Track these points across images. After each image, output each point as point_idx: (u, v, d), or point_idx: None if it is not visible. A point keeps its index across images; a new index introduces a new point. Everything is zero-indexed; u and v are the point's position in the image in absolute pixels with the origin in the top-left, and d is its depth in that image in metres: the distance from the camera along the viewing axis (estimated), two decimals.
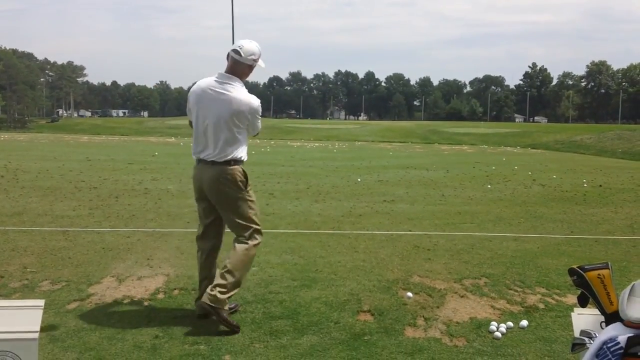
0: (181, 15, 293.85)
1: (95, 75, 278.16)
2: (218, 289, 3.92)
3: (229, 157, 4.00)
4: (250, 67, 4.11)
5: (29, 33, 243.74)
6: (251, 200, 4.13)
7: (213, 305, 3.89)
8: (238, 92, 4.02)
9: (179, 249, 6.29)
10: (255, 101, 4.06)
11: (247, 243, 4.08)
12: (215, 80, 4.04)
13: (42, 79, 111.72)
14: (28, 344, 2.60)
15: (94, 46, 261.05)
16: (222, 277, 3.99)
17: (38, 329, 2.66)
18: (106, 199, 10.01)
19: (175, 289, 4.83)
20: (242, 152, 4.07)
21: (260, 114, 4.17)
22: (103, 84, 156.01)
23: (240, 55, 4.01)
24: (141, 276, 5.18)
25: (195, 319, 4.14)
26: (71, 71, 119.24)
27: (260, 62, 4.17)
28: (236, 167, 4.03)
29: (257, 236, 4.15)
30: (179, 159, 21.47)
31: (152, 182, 12.93)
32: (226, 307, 3.98)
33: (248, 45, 4.05)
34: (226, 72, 4.07)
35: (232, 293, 4.00)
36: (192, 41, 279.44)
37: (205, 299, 3.94)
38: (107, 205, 9.36)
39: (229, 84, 4.02)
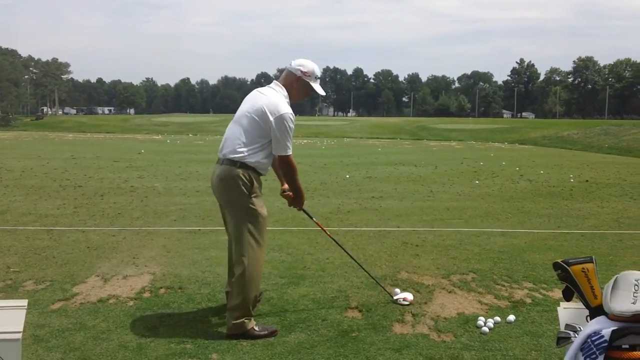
0: (168, 12, 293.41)
1: (80, 72, 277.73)
2: (230, 316, 3.86)
3: (237, 157, 3.79)
4: (297, 79, 3.96)
5: (13, 29, 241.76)
6: (254, 210, 3.82)
7: (235, 333, 3.82)
8: (272, 94, 3.91)
9: (166, 247, 6.24)
10: (284, 107, 3.80)
11: (242, 262, 3.81)
12: (266, 86, 4.05)
13: (26, 76, 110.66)
14: (11, 344, 2.57)
15: (78, 43, 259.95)
16: (229, 301, 3.93)
17: (21, 329, 2.63)
18: (91, 198, 9.92)
19: (161, 288, 4.79)
20: (254, 158, 3.80)
21: (289, 129, 3.81)
22: (88, 81, 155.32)
23: (290, 63, 4.01)
24: (127, 275, 5.13)
25: (182, 318, 4.12)
26: (56, 68, 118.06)
27: (317, 87, 4.03)
28: (241, 170, 3.78)
29: (250, 251, 3.81)
30: (165, 156, 21.36)
31: (138, 180, 12.84)
32: (249, 327, 3.83)
33: (303, 59, 4.03)
34: (279, 80, 4.04)
35: (245, 315, 3.83)
36: (179, 38, 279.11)
37: (227, 329, 3.88)
38: (92, 203, 9.28)
39: (272, 88, 3.98)
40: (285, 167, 3.99)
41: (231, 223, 3.91)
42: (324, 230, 4.60)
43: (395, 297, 4.54)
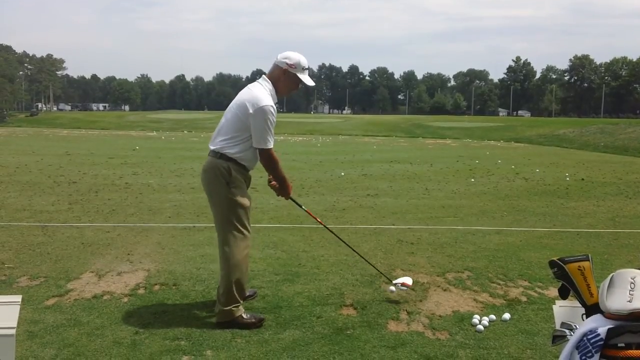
0: (161, 9, 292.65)
1: (75, 68, 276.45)
2: (218, 304, 3.95)
3: (218, 148, 3.89)
4: (284, 72, 3.95)
5: (7, 25, 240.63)
6: (233, 200, 3.86)
7: (223, 321, 3.89)
8: (255, 88, 3.92)
9: (160, 244, 6.22)
10: (264, 100, 3.78)
11: (225, 251, 3.90)
12: (255, 81, 4.05)
13: (21, 72, 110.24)
14: (5, 340, 2.56)
15: (73, 39, 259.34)
16: (218, 290, 3.99)
17: (15, 325, 2.62)
18: (86, 194, 9.89)
19: (155, 285, 4.77)
20: (234, 150, 3.85)
21: (268, 122, 3.80)
22: (83, 77, 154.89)
23: (277, 57, 4.00)
24: (121, 272, 5.11)
25: (176, 315, 4.10)
26: (50, 64, 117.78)
27: (305, 78, 4.01)
28: (221, 161, 3.86)
29: (231, 240, 3.88)
30: (160, 153, 21.31)
31: (133, 177, 12.80)
32: (238, 314, 3.90)
33: (289, 52, 4.01)
34: (266, 75, 4.05)
35: (232, 303, 3.89)
36: (172, 34, 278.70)
37: (216, 317, 3.96)
38: (87, 200, 9.25)
39: (259, 82, 3.99)
40: (265, 160, 4.00)
41: (213, 214, 4.01)
42: (315, 218, 4.65)
43: (394, 282, 4.58)
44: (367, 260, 4.91)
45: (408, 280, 4.61)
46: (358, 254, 4.94)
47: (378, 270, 4.86)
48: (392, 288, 4.66)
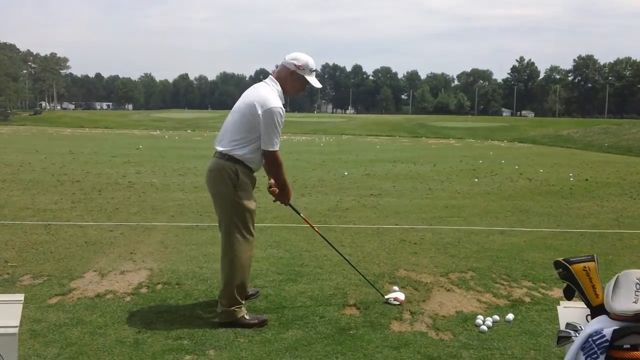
0: (165, 7, 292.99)
1: (79, 67, 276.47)
2: (219, 305, 3.95)
3: (225, 150, 3.85)
4: (291, 73, 3.94)
5: (11, 24, 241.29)
6: (239, 203, 3.84)
7: (226, 321, 3.89)
8: (263, 88, 3.91)
9: (163, 243, 6.22)
10: (273, 101, 3.77)
11: (228, 253, 3.88)
12: (262, 81, 4.04)
13: (24, 71, 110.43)
14: (7, 338, 2.57)
15: (77, 37, 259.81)
16: (220, 290, 3.98)
17: (18, 323, 2.62)
18: (89, 193, 9.90)
19: (158, 284, 4.77)
20: (243, 151, 3.82)
21: (277, 123, 3.77)
22: (86, 76, 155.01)
23: (285, 58, 3.99)
24: (124, 270, 5.11)
25: (179, 314, 4.10)
26: (54, 63, 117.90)
27: (312, 80, 4.00)
28: (229, 163, 3.83)
29: (235, 243, 3.87)
30: (163, 152, 21.32)
31: (136, 176, 12.81)
32: (240, 315, 3.90)
33: (297, 53, 4.01)
34: (273, 75, 4.04)
35: (234, 304, 3.89)
36: (176, 33, 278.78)
37: (218, 318, 3.95)
38: (90, 198, 9.25)
39: (266, 83, 3.97)
40: (269, 162, 3.97)
41: (218, 215, 3.98)
42: (312, 226, 4.63)
43: (386, 297, 4.51)
44: (357, 270, 4.80)
45: (400, 296, 4.50)
46: (349, 262, 4.91)
47: (367, 281, 4.69)
48: (395, 288, 4.64)
